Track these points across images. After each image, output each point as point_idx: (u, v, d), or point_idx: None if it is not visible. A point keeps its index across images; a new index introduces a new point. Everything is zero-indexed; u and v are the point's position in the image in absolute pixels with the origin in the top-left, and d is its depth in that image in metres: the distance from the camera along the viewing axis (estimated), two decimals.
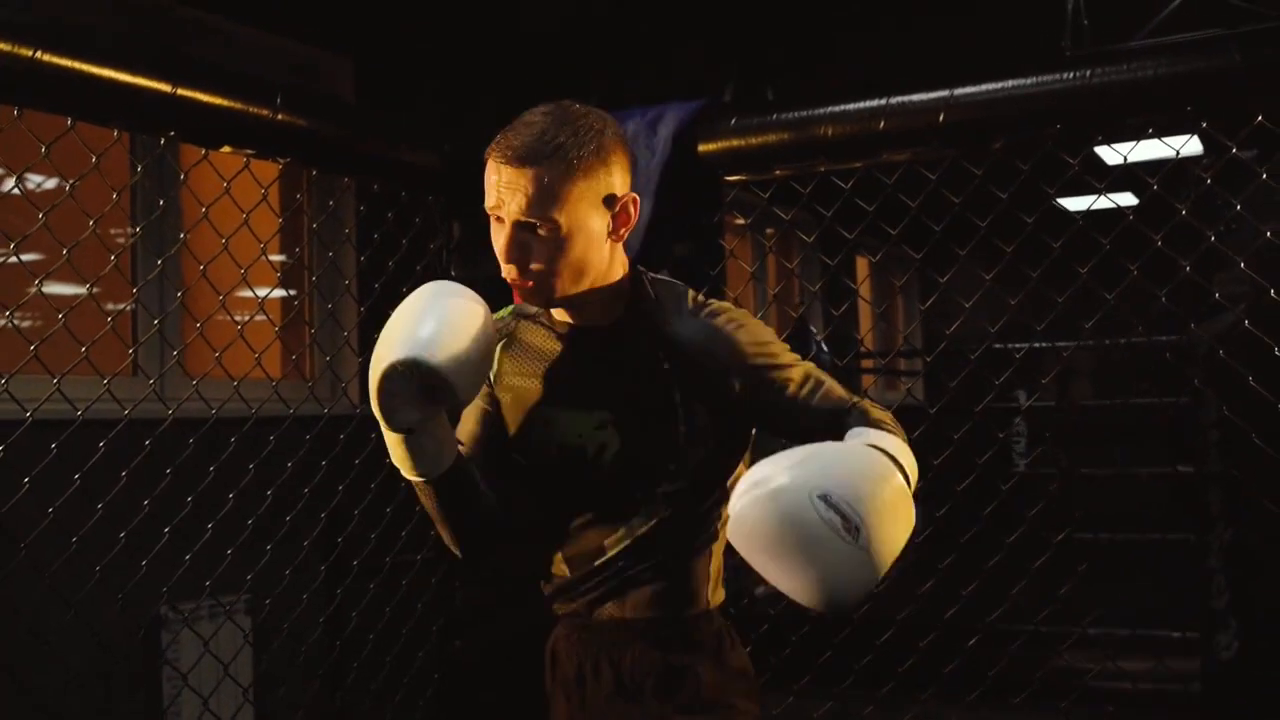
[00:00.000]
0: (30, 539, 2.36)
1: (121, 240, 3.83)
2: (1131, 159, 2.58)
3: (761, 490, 1.49)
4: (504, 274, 1.70)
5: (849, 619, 2.91)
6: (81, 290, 2.43)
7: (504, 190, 1.64)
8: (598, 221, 1.68)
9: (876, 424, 1.71)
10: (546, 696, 1.91)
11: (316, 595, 3.23)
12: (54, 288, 3.17)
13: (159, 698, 3.52)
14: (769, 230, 6.97)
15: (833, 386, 1.77)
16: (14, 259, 2.28)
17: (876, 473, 1.52)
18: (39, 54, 2.06)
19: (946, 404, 3.19)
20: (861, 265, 8.98)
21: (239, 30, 4.09)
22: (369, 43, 4.45)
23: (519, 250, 1.66)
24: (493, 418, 1.83)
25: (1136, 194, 3.51)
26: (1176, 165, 2.51)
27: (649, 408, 1.75)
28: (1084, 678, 3.17)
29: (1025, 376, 6.51)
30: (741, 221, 6.48)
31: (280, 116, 2.44)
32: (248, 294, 2.96)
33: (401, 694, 3.31)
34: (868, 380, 8.63)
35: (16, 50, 2.03)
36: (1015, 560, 2.92)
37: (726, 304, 1.81)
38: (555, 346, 1.81)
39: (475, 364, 1.61)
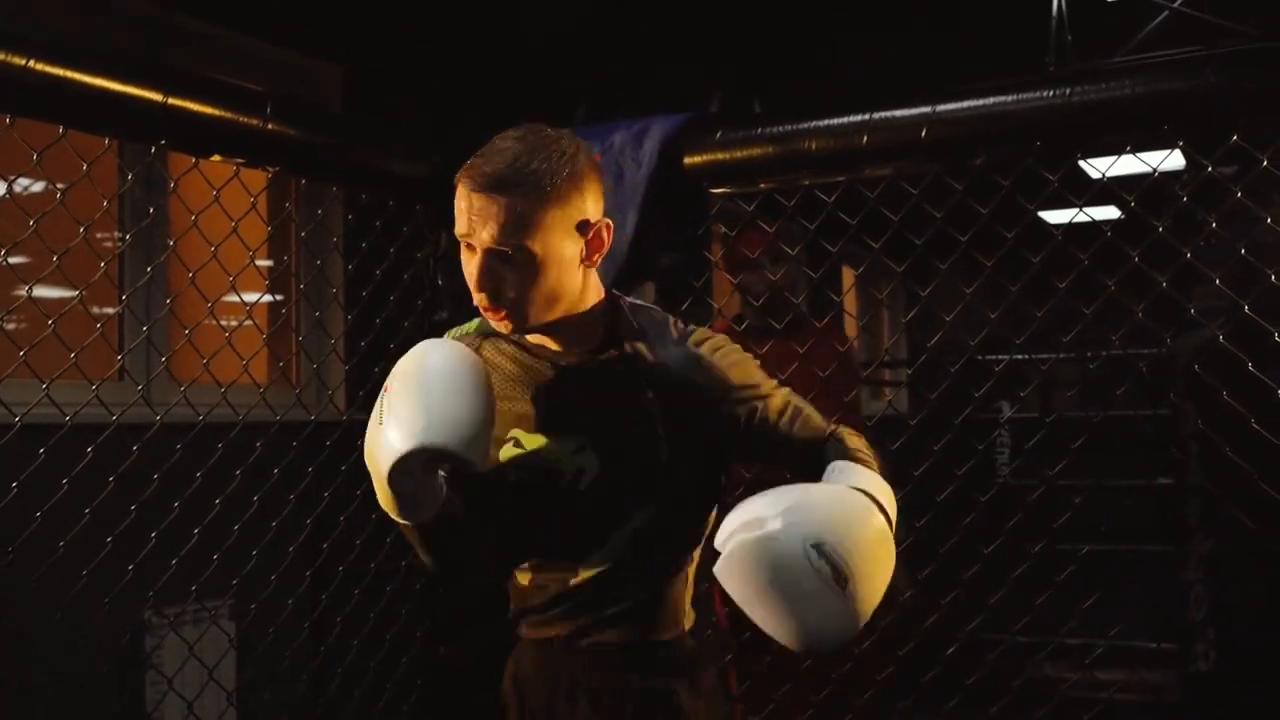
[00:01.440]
0: (18, 542, 2.38)
1: (109, 245, 3.85)
2: (1115, 174, 2.61)
3: (755, 534, 1.51)
4: (475, 301, 1.68)
5: None
6: (68, 294, 2.45)
7: (475, 218, 1.61)
8: (570, 248, 1.66)
9: (853, 455, 1.72)
10: None
11: (301, 600, 3.24)
12: (41, 291, 3.18)
13: (143, 701, 3.53)
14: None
15: (811, 414, 1.80)
16: (2, 264, 2.29)
17: (865, 521, 1.56)
18: (32, 63, 2.08)
19: (930, 415, 3.23)
20: (848, 275, 9.03)
21: (228, 37, 4.11)
22: (359, 51, 4.47)
23: (491, 278, 1.63)
24: None
25: (1120, 207, 3.55)
26: (1159, 181, 2.55)
27: (629, 435, 1.74)
28: (1061, 687, 3.20)
29: (1008, 388, 6.55)
30: (727, 231, 6.52)
31: (270, 126, 2.46)
32: (235, 301, 2.98)
33: (385, 699, 3.33)
34: None
35: (10, 59, 2.05)
36: (995, 570, 2.95)
37: (707, 331, 1.80)
38: (528, 370, 1.79)
39: (489, 433, 1.62)
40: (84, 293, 2.43)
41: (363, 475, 2.90)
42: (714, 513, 1.84)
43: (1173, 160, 3.04)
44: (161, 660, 3.49)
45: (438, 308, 3.07)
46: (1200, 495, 4.33)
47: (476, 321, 1.87)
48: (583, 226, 1.68)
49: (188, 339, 2.67)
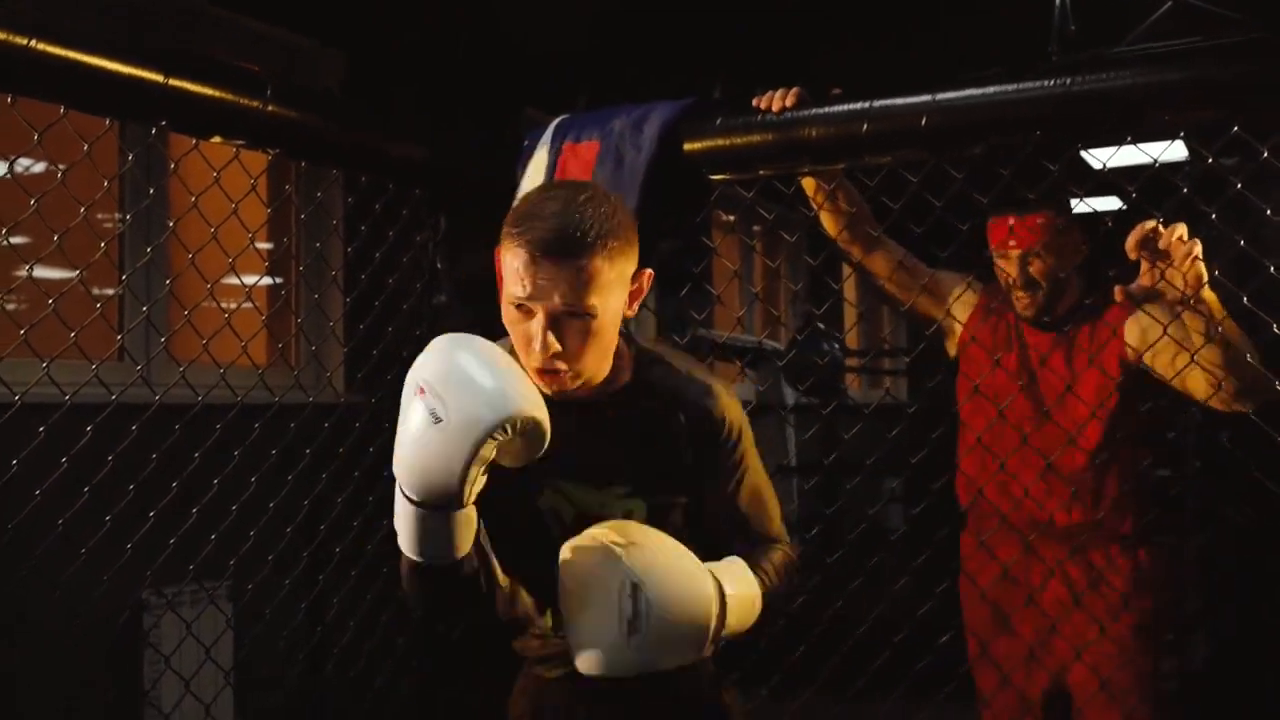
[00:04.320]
0: (17, 520, 2.39)
1: (110, 225, 3.85)
2: (1119, 164, 2.60)
3: (590, 542, 1.66)
4: (531, 363, 1.66)
5: (819, 618, 2.95)
6: (67, 274, 2.45)
7: (542, 281, 1.59)
8: (622, 299, 1.68)
9: (755, 561, 1.80)
10: None
11: (298, 582, 3.25)
12: (42, 271, 3.19)
13: (140, 679, 3.55)
14: (756, 228, 7.00)
15: (769, 513, 1.88)
16: (3, 243, 2.29)
17: (695, 598, 1.64)
18: (34, 42, 2.07)
19: (928, 404, 3.23)
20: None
21: (230, 18, 4.11)
22: (362, 36, 4.47)
23: (556, 340, 1.62)
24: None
25: (1121, 198, 3.54)
26: (1161, 172, 2.54)
27: (669, 474, 1.79)
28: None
29: None
30: (729, 218, 6.53)
31: (271, 108, 2.46)
32: (235, 282, 2.98)
33: (381, 680, 3.34)
34: (853, 379, 8.65)
35: (12, 38, 2.05)
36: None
37: (725, 383, 1.84)
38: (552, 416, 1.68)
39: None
40: (84, 273, 2.44)
41: (360, 457, 2.93)
42: None
43: (1177, 151, 3.02)
44: (159, 639, 3.51)
45: (436, 291, 3.07)
46: (1198, 487, 4.33)
47: None
48: (634, 278, 1.71)
49: (187, 320, 2.67)
